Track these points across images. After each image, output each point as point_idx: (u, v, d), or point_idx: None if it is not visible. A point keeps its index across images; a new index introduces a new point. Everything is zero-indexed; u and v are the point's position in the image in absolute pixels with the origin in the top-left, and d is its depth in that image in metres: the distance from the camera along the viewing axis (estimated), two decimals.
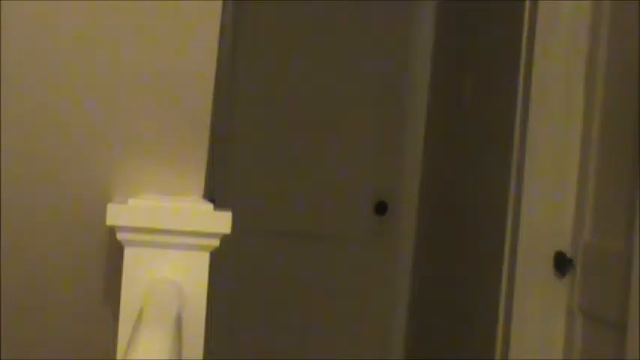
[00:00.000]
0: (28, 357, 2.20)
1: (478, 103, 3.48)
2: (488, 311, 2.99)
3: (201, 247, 1.87)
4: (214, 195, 3.49)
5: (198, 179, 1.97)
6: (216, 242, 1.86)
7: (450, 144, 3.80)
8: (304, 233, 4.09)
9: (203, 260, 1.87)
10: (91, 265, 2.11)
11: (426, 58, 4.18)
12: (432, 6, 4.19)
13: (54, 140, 1.99)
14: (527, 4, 2.85)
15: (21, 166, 2.01)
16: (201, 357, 1.87)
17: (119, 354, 1.81)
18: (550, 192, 2.77)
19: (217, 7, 1.88)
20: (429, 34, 4.18)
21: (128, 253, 1.86)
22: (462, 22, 3.84)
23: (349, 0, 4.20)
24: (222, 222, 1.84)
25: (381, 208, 4.21)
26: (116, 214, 1.83)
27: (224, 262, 3.93)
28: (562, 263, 2.72)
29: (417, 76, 4.18)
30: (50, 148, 2.00)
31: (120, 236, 1.85)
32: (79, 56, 1.91)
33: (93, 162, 2.00)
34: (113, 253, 1.97)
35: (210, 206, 1.86)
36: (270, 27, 4.20)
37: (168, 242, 1.86)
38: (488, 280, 3.05)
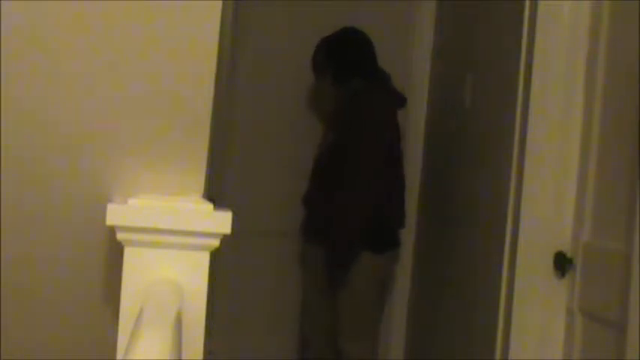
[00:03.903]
0: (28, 357, 2.20)
1: (478, 103, 3.48)
2: (489, 311, 2.99)
3: (201, 247, 1.87)
4: (214, 195, 3.49)
5: (198, 179, 1.97)
6: (216, 242, 1.87)
7: (450, 144, 3.80)
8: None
9: (203, 260, 1.87)
10: (91, 265, 2.11)
11: (426, 58, 4.18)
12: (432, 6, 4.19)
13: (54, 140, 1.99)
14: (527, 4, 2.85)
15: (21, 166, 2.01)
16: (201, 357, 1.87)
17: (119, 354, 1.81)
18: (550, 192, 2.77)
19: (217, 7, 1.88)
20: (429, 34, 4.18)
21: (128, 253, 1.86)
22: (462, 22, 3.84)
23: (349, 0, 4.20)
24: (222, 222, 1.84)
25: None
26: (116, 214, 1.83)
27: (224, 262, 3.93)
28: (562, 263, 2.72)
29: (417, 76, 4.18)
30: (50, 148, 2.00)
31: (120, 236, 1.85)
32: (79, 56, 1.91)
33: (93, 162, 2.00)
34: (113, 253, 1.97)
35: (210, 206, 1.86)
36: (270, 27, 4.20)
37: (169, 242, 1.86)
38: (488, 279, 3.05)
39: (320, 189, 3.76)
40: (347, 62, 3.79)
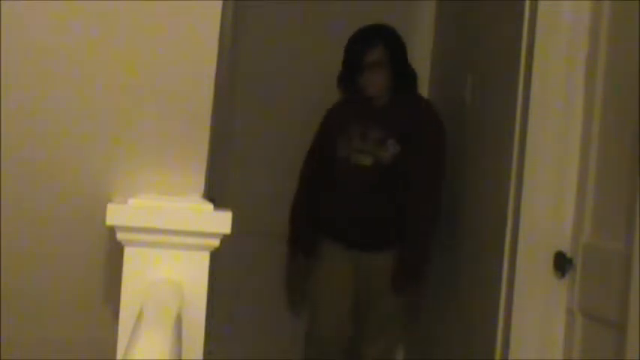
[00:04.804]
0: (28, 357, 2.20)
1: (478, 103, 3.48)
2: (489, 311, 2.99)
3: (201, 247, 1.87)
4: (214, 195, 3.50)
5: (198, 179, 1.97)
6: (216, 242, 1.87)
7: (450, 144, 3.80)
8: None
9: (203, 260, 1.87)
10: (91, 265, 2.11)
11: (426, 58, 4.18)
12: (432, 6, 4.19)
13: (54, 140, 1.99)
14: (527, 4, 2.85)
15: (21, 166, 2.01)
16: (201, 357, 1.88)
17: (119, 354, 1.82)
18: (550, 192, 2.77)
19: (217, 7, 1.88)
20: (429, 34, 4.18)
21: (128, 253, 1.86)
22: (462, 22, 3.83)
23: (349, 0, 4.20)
24: (222, 222, 1.84)
25: None
26: (116, 214, 1.83)
27: (224, 262, 3.94)
28: (562, 263, 2.72)
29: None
30: (50, 148, 2.00)
31: (120, 236, 1.85)
32: (79, 56, 1.91)
33: (93, 162, 2.01)
34: (113, 253, 1.97)
35: (210, 206, 1.86)
36: (270, 27, 4.20)
37: (169, 242, 1.86)
38: (488, 280, 3.05)
39: (384, 199, 3.63)
40: (406, 64, 3.71)
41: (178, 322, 1.66)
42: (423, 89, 4.13)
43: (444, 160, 3.63)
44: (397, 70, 3.66)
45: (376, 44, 3.63)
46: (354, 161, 3.66)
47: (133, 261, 1.86)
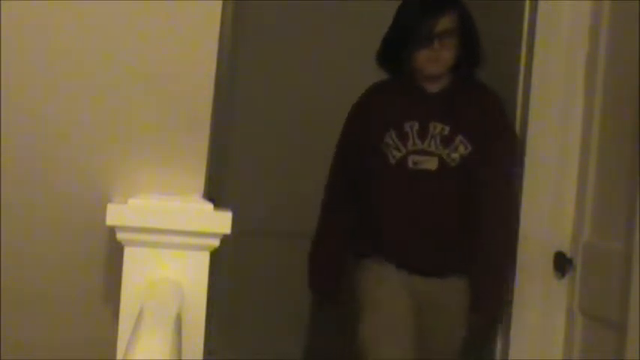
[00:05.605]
0: (28, 357, 2.20)
1: None
2: None
3: (201, 247, 1.87)
4: (214, 195, 3.49)
5: (198, 179, 1.97)
6: (216, 242, 1.87)
7: None
8: (304, 233, 4.09)
9: (203, 260, 1.88)
10: (91, 265, 2.11)
11: None
12: None
13: (54, 140, 1.99)
14: (527, 4, 2.86)
15: (21, 166, 2.01)
16: (201, 357, 1.88)
17: (119, 354, 1.82)
18: (550, 192, 2.77)
19: (217, 7, 1.88)
20: None
21: (128, 253, 1.87)
22: None
23: (350, 0, 4.20)
24: (222, 222, 1.84)
25: None
26: (116, 214, 1.83)
27: (224, 262, 3.94)
28: (562, 263, 2.72)
29: None
30: (50, 148, 2.00)
31: (120, 236, 1.86)
32: (79, 56, 1.91)
33: (93, 162, 2.01)
34: (113, 253, 1.97)
35: (210, 206, 1.87)
36: (270, 27, 4.20)
37: (169, 242, 1.86)
38: None
39: (451, 211, 2.87)
40: (477, 39, 2.96)
41: (178, 322, 1.66)
42: None
43: (517, 165, 2.85)
44: (466, 47, 2.93)
45: (451, 10, 2.88)
46: (412, 165, 2.87)
47: (133, 261, 1.87)
